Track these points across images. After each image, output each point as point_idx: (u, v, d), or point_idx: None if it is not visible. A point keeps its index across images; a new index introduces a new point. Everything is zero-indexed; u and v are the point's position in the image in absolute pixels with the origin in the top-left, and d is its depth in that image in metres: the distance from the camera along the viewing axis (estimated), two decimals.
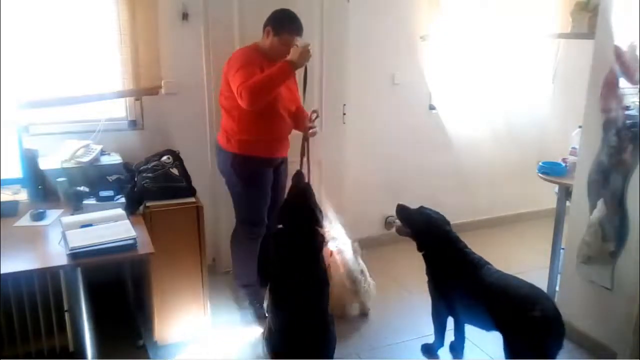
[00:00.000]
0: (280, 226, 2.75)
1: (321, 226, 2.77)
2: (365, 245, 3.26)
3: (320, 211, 2.79)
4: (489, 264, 2.59)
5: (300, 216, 2.69)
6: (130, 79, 3.07)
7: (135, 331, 2.86)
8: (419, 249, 2.70)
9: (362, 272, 3.16)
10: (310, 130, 3.01)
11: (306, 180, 2.90)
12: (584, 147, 2.82)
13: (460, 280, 2.57)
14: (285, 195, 2.90)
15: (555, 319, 2.35)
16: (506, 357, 2.41)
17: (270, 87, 2.70)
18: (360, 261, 3.18)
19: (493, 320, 2.43)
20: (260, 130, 2.88)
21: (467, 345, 2.83)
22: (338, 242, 3.17)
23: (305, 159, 3.00)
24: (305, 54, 2.72)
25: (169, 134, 3.28)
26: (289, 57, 2.72)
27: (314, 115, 3.05)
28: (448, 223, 2.70)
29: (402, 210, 2.77)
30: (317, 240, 2.69)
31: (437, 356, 2.81)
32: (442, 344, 2.82)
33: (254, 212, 3.02)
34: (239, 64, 2.75)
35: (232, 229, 3.61)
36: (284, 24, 2.84)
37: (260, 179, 2.98)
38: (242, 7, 3.29)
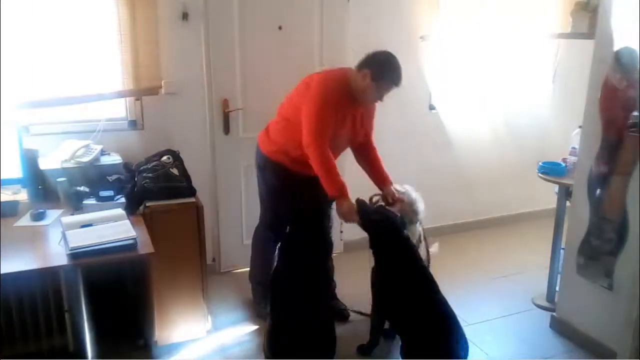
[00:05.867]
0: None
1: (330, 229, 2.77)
2: (364, 246, 3.26)
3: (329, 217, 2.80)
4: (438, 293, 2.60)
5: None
6: (130, 79, 3.07)
7: (135, 331, 2.86)
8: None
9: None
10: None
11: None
12: (584, 147, 2.82)
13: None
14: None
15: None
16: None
17: (316, 168, 2.60)
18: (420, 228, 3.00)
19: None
20: (291, 155, 2.77)
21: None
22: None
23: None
24: (349, 217, 2.62)
25: (169, 134, 3.28)
26: (345, 199, 2.58)
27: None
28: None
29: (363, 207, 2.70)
30: (324, 242, 2.70)
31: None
32: (376, 343, 2.78)
33: (273, 215, 2.98)
34: (317, 110, 2.58)
35: (232, 229, 3.63)
36: (386, 73, 2.63)
37: (285, 187, 2.85)
38: (242, 7, 3.29)
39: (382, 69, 2.62)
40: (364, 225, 2.66)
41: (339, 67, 2.84)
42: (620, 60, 2.53)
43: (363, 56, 2.69)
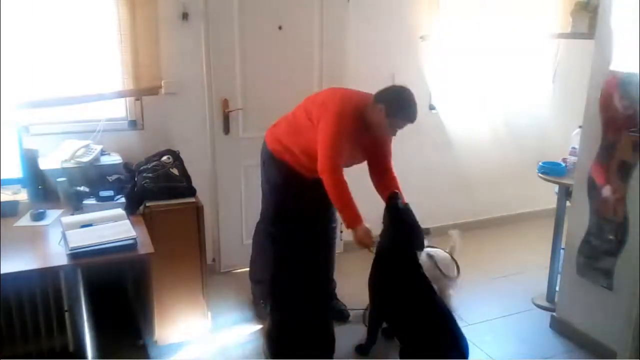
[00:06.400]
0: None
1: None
2: None
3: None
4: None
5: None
6: (130, 79, 3.07)
7: (135, 331, 2.86)
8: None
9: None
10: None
11: None
12: (584, 147, 2.82)
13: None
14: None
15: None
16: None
17: (331, 198, 2.61)
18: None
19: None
20: (294, 155, 2.78)
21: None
22: None
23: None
24: (365, 243, 2.63)
25: (169, 134, 3.28)
26: (360, 226, 2.61)
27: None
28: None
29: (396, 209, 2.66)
30: (324, 242, 2.69)
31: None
32: (374, 342, 2.78)
33: (273, 212, 2.96)
34: (331, 138, 2.57)
35: (232, 229, 3.63)
36: (401, 110, 2.60)
37: (286, 186, 2.84)
38: (242, 7, 3.29)
39: (397, 106, 2.59)
40: (391, 216, 2.64)
41: (359, 92, 2.80)
42: (627, 88, 2.52)
43: (382, 88, 2.67)
